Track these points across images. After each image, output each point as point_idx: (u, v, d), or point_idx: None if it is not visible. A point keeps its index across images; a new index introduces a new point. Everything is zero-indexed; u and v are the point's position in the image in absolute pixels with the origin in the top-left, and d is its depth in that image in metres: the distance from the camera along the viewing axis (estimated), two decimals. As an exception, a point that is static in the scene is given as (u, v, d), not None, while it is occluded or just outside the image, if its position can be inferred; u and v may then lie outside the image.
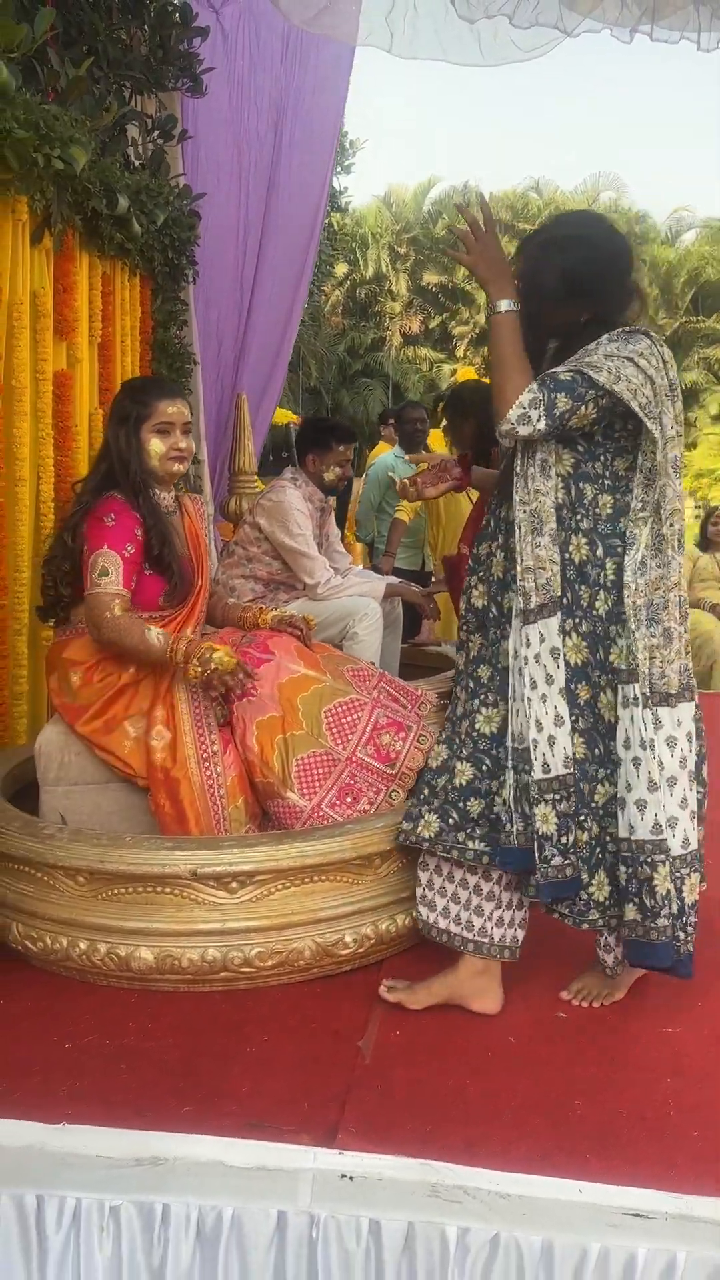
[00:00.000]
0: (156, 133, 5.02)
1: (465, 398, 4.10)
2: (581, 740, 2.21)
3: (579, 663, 2.21)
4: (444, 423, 4.33)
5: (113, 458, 2.81)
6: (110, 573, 2.66)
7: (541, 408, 2.14)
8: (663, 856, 2.16)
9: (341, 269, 26.75)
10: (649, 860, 2.16)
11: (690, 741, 2.25)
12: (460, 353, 27.25)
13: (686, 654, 2.23)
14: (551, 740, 2.17)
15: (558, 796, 2.18)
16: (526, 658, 2.19)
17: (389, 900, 2.46)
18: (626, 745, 2.18)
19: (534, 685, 2.18)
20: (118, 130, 4.64)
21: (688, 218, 28.00)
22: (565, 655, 2.18)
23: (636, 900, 2.18)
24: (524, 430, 2.16)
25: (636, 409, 2.11)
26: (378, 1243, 1.80)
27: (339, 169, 15.02)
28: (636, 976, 2.44)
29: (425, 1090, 2.06)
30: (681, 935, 2.23)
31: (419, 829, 2.33)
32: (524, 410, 2.15)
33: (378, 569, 5.97)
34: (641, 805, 2.15)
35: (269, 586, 4.03)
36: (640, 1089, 2.07)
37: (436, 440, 6.67)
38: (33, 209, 3.48)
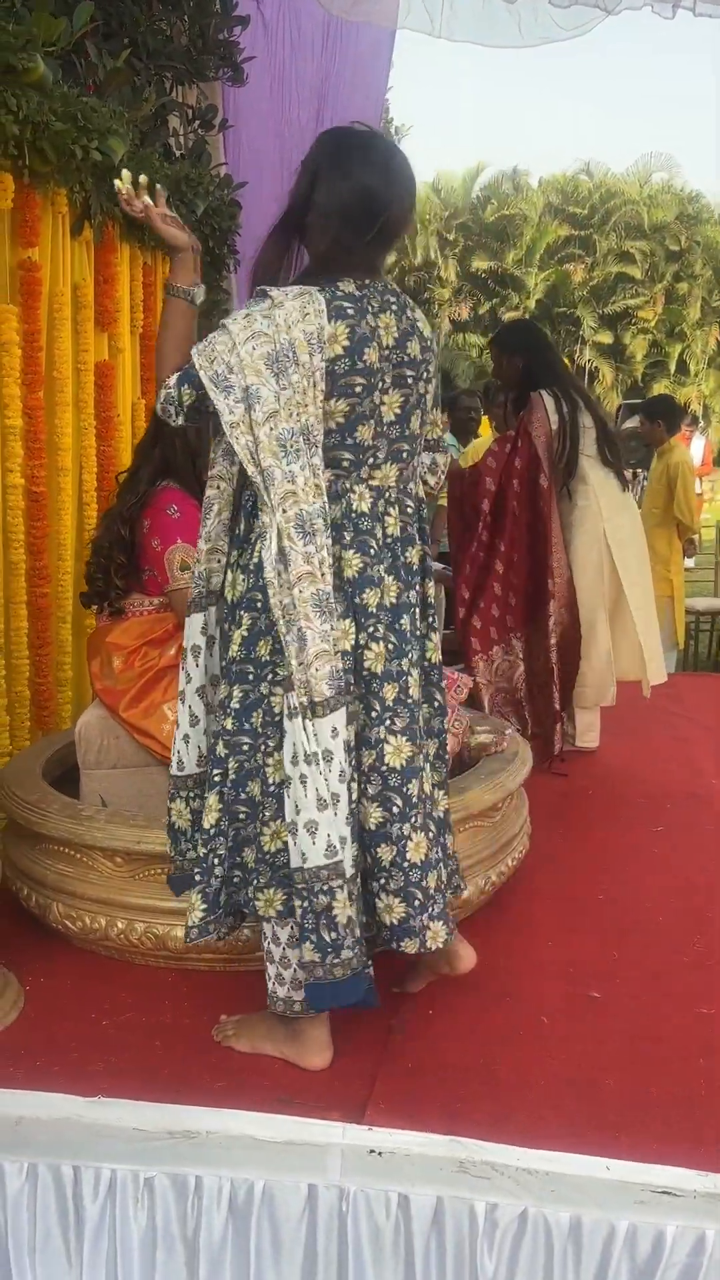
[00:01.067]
0: (197, 123, 5.05)
1: (512, 336, 4.16)
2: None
3: (238, 657, 1.99)
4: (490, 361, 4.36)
5: (175, 449, 2.81)
6: (191, 566, 2.70)
7: (174, 405, 1.97)
8: (340, 881, 1.89)
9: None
10: (325, 888, 1.89)
11: (349, 753, 1.93)
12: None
13: (336, 654, 1.89)
14: (186, 739, 2.07)
15: (191, 794, 2.08)
16: (185, 651, 2.07)
17: (423, 881, 2.47)
18: (294, 760, 1.88)
19: (187, 680, 2.07)
20: (159, 121, 4.68)
21: (743, 197, 27.56)
22: (217, 650, 2.05)
23: (314, 938, 1.91)
24: (171, 422, 2.01)
25: (205, 380, 1.88)
26: (407, 1217, 1.82)
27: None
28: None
29: (455, 1067, 2.07)
30: (369, 961, 1.99)
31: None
32: (163, 405, 1.98)
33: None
34: (312, 828, 1.87)
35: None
36: (672, 1068, 2.07)
37: (488, 428, 6.66)
38: (72, 201, 3.52)
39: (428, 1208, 1.81)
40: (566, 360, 14.21)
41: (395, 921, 1.97)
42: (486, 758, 2.79)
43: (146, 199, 2.13)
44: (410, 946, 1.99)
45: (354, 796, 1.94)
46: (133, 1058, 2.10)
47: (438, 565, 4.57)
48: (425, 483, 2.16)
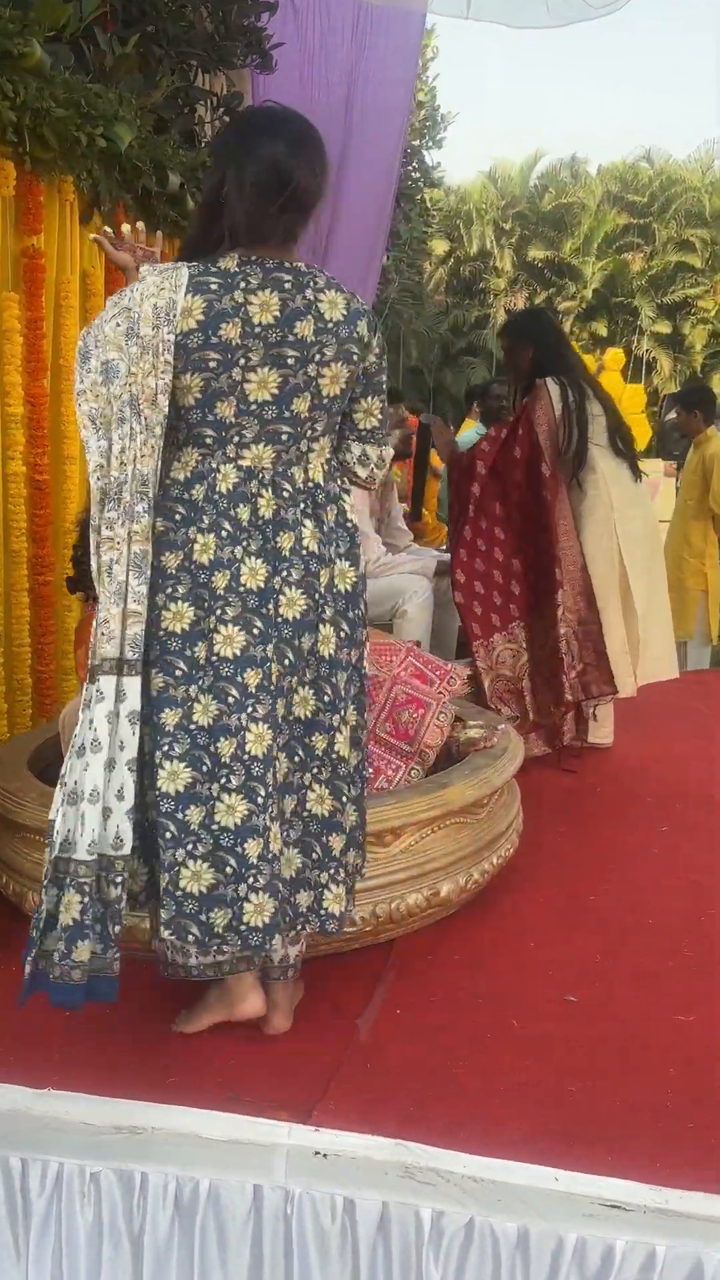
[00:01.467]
0: (221, 110, 5.02)
1: (521, 325, 4.12)
2: None
3: None
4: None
5: None
6: None
7: None
8: (49, 846, 1.89)
9: (443, 246, 26.46)
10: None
11: (110, 724, 1.86)
12: (566, 328, 26.72)
13: (123, 623, 1.86)
14: None
15: None
16: None
17: (401, 878, 2.42)
18: None
19: None
20: (185, 108, 4.65)
21: None
22: None
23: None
24: None
25: (77, 357, 1.91)
26: (352, 1221, 1.78)
27: (430, 143, 14.71)
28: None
29: (416, 1069, 2.03)
30: (55, 950, 1.87)
31: None
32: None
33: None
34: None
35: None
36: (641, 1077, 2.01)
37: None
38: (79, 188, 3.52)
39: (373, 1212, 1.77)
40: (622, 350, 13.98)
41: (266, 922, 1.93)
42: (474, 753, 2.72)
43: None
44: (279, 943, 1.98)
45: (129, 787, 1.88)
46: (92, 1050, 2.08)
47: (449, 557, 4.50)
48: (355, 474, 2.10)
